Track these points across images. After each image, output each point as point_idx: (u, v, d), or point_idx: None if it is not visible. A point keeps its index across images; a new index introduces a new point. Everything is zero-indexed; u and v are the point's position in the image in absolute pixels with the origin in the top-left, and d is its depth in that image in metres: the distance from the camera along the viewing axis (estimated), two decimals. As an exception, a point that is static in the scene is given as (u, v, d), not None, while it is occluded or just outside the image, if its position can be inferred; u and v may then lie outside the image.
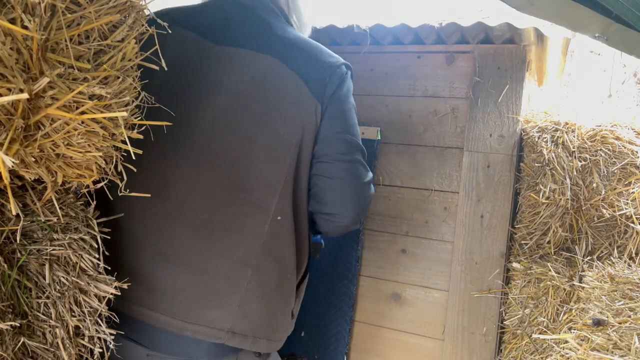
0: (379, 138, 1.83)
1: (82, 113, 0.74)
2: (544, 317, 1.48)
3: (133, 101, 0.85)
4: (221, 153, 1.10)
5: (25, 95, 0.66)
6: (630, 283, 1.22)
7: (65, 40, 0.72)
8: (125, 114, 0.79)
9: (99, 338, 0.94)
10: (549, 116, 1.66)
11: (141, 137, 0.88)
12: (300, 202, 1.16)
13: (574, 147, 1.53)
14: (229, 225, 1.10)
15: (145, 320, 1.10)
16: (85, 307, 0.92)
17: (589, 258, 1.50)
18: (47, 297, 0.87)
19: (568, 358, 1.08)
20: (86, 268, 0.92)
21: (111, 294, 0.94)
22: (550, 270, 1.49)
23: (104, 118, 0.76)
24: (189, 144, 1.10)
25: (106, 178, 0.88)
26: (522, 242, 1.62)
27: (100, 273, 0.95)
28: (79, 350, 0.92)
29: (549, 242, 1.57)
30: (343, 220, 1.18)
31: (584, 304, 1.26)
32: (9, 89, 0.66)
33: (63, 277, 0.89)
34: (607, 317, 1.10)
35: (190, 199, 1.10)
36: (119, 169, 0.88)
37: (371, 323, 1.85)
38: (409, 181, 1.81)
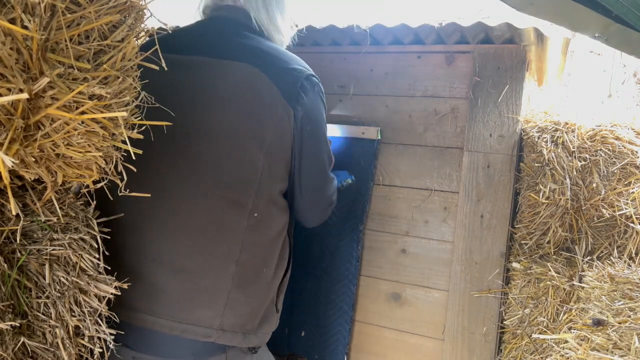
0: (379, 138, 1.83)
1: (82, 113, 0.74)
2: (544, 317, 1.48)
3: (133, 101, 0.85)
4: (205, 155, 1.16)
5: (25, 95, 0.66)
6: (630, 283, 1.22)
7: (65, 40, 0.72)
8: (125, 114, 0.79)
9: (99, 338, 0.95)
10: (549, 116, 1.66)
11: (141, 137, 0.88)
12: (277, 199, 1.23)
13: (573, 147, 1.52)
14: (212, 223, 1.15)
15: (130, 322, 1.12)
16: (85, 307, 0.92)
17: (588, 258, 1.50)
18: (47, 297, 0.87)
19: (568, 358, 1.08)
20: (86, 268, 0.92)
21: (111, 294, 0.94)
22: (550, 270, 1.49)
23: (104, 118, 0.76)
24: (175, 145, 1.15)
25: (106, 178, 0.88)
26: (522, 242, 1.62)
27: (100, 273, 0.95)
28: (79, 350, 0.92)
29: (548, 242, 1.57)
30: (307, 225, 1.40)
31: (584, 303, 1.26)
32: (9, 89, 0.66)
33: (63, 277, 0.89)
34: (607, 317, 1.10)
35: (175, 199, 1.15)
36: (119, 169, 0.88)
37: (371, 323, 1.84)
38: (408, 181, 1.81)
